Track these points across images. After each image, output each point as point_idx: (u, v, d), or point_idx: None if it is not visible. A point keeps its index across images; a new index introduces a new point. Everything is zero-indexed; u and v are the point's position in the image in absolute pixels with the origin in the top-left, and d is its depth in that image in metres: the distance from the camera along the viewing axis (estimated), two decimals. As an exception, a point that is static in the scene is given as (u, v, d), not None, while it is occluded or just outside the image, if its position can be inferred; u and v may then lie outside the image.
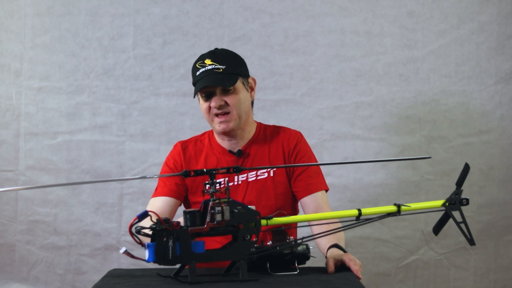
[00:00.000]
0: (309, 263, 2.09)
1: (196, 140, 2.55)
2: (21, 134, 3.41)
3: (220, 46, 3.31)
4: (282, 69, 3.40)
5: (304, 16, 3.39)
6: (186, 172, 1.95)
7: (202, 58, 2.42)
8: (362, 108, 3.41)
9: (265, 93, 3.39)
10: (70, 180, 3.39)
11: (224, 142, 2.49)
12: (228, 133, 2.43)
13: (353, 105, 3.41)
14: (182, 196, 2.49)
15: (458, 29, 3.39)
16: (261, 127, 2.53)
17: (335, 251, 2.19)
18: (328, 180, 3.27)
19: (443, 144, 3.41)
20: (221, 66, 2.37)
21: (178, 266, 1.96)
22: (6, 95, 3.42)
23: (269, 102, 3.40)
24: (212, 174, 1.93)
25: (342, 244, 2.25)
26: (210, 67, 2.37)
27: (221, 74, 2.36)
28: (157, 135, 3.41)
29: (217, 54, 2.42)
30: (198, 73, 2.39)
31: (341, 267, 2.11)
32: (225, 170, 1.96)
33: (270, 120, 3.31)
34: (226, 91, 2.37)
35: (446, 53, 3.40)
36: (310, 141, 3.32)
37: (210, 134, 2.55)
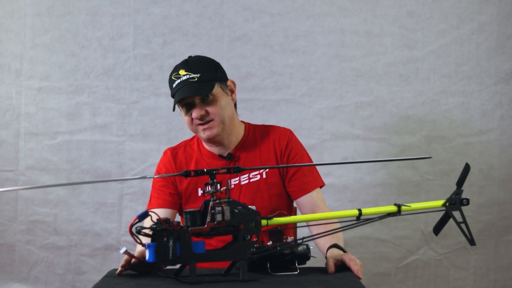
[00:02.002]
0: (309, 263, 2.09)
1: (186, 145, 2.53)
2: (21, 134, 3.41)
3: (220, 46, 3.35)
4: (282, 69, 3.40)
5: (304, 16, 3.39)
6: (186, 172, 1.94)
7: (176, 69, 2.38)
8: (362, 108, 3.41)
9: (265, 93, 3.39)
10: (70, 180, 3.39)
11: (212, 148, 2.47)
12: (213, 140, 2.40)
13: (353, 105, 3.41)
14: (177, 205, 2.47)
15: (458, 29, 3.39)
16: (249, 128, 2.51)
17: (335, 251, 2.18)
18: (328, 180, 3.28)
19: (443, 144, 3.41)
20: (195, 75, 2.33)
21: (178, 266, 1.96)
22: (6, 95, 3.42)
23: (269, 102, 3.40)
24: (212, 174, 1.93)
25: (341, 244, 2.25)
26: (184, 77, 2.33)
27: (196, 83, 2.32)
28: (157, 135, 3.41)
29: (190, 63, 2.37)
30: (174, 85, 2.35)
31: (341, 267, 2.11)
32: (226, 170, 1.96)
33: (270, 120, 3.32)
34: (205, 100, 2.34)
35: (446, 53, 3.40)
36: (310, 141, 3.35)
37: (198, 138, 2.51)
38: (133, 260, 2.01)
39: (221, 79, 2.40)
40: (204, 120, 2.35)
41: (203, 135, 2.37)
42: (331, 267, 2.08)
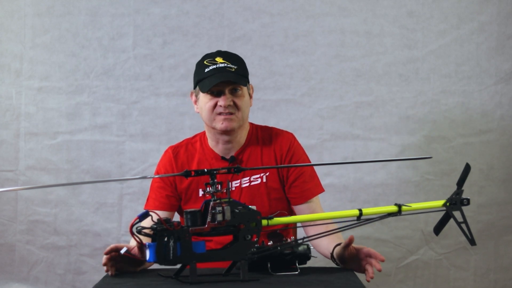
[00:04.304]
0: (309, 263, 2.09)
1: (188, 143, 2.51)
2: (21, 134, 3.41)
3: (220, 46, 3.35)
4: (282, 69, 3.40)
5: (304, 16, 3.39)
6: (186, 172, 1.94)
7: (211, 56, 2.39)
8: (362, 108, 3.41)
9: (265, 93, 3.39)
10: (70, 180, 3.39)
11: (217, 147, 2.45)
12: (228, 133, 2.39)
13: (353, 105, 3.41)
14: (174, 207, 2.46)
15: (458, 29, 3.40)
16: (253, 129, 2.49)
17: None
18: (328, 180, 3.29)
19: (443, 144, 3.41)
20: (233, 66, 2.35)
21: (179, 266, 1.96)
22: (6, 95, 3.42)
23: (269, 102, 3.40)
24: (213, 174, 1.93)
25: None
26: (222, 65, 2.34)
27: (234, 73, 2.34)
28: (157, 135, 3.41)
29: (228, 54, 2.40)
30: (207, 69, 2.34)
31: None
32: (226, 170, 1.96)
33: (270, 120, 3.32)
34: (234, 92, 2.35)
35: (446, 53, 3.40)
36: (310, 141, 3.35)
37: (201, 137, 2.50)
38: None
39: (248, 79, 2.43)
40: (229, 110, 2.35)
41: (221, 125, 2.36)
42: (351, 248, 2.09)
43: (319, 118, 3.41)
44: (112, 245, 2.06)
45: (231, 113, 2.35)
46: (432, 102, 3.41)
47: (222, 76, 2.32)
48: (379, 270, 2.05)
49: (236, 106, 2.35)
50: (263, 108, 3.39)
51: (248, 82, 2.42)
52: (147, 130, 3.41)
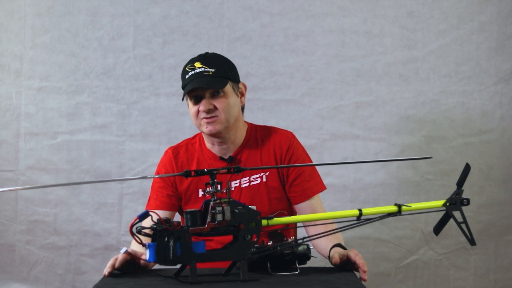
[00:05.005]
0: (309, 263, 2.09)
1: (187, 144, 2.52)
2: (21, 134, 3.41)
3: (220, 46, 3.35)
4: (282, 69, 3.40)
5: (304, 16, 3.40)
6: (186, 172, 1.94)
7: (192, 61, 2.39)
8: (362, 108, 3.41)
9: (265, 93, 3.39)
10: (70, 180, 3.39)
11: (214, 147, 2.45)
12: (215, 136, 2.39)
13: (353, 105, 3.41)
14: (175, 206, 2.46)
15: (458, 29, 3.40)
16: (251, 129, 2.49)
17: (339, 249, 2.19)
18: (328, 180, 3.28)
19: (443, 144, 3.41)
20: (210, 69, 2.34)
21: (179, 266, 1.96)
22: (6, 95, 3.42)
23: (269, 102, 3.40)
24: (213, 174, 1.93)
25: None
26: (199, 70, 2.34)
27: (210, 77, 2.33)
28: (157, 135, 3.41)
29: (207, 58, 2.39)
30: (187, 76, 2.36)
31: (343, 267, 2.11)
32: (226, 170, 1.96)
33: (270, 120, 3.32)
34: (215, 95, 2.34)
35: (446, 53, 3.40)
36: (310, 141, 3.35)
37: (200, 137, 2.51)
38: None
39: (234, 79, 2.41)
40: (210, 114, 2.35)
41: (206, 129, 2.36)
42: (336, 259, 2.09)
43: (319, 118, 3.41)
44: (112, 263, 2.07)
45: (214, 116, 2.35)
46: (432, 102, 3.41)
47: (196, 82, 2.32)
48: (364, 280, 2.04)
49: (217, 109, 2.35)
50: (263, 108, 3.39)
51: (233, 80, 2.39)
52: (147, 130, 3.41)
